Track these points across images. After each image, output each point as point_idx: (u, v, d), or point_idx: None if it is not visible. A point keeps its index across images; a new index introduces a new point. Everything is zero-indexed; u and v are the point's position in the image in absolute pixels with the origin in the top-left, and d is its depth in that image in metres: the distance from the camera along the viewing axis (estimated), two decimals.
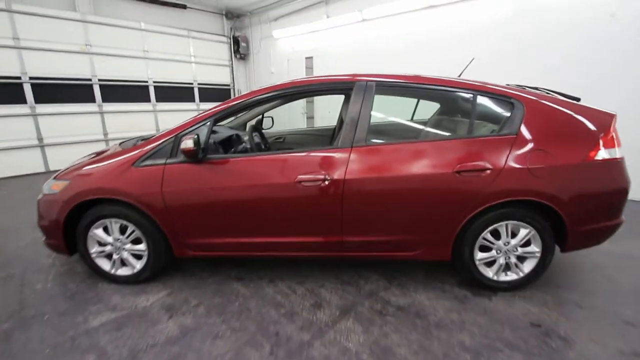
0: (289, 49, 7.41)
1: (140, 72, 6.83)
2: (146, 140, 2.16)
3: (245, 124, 3.54)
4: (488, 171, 1.87)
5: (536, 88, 2.21)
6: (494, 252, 2.07)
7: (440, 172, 1.89)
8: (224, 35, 8.15)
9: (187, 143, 1.81)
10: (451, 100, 2.46)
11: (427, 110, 2.97)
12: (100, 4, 6.35)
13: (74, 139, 6.13)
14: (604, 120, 1.96)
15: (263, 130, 3.58)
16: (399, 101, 2.51)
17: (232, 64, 8.32)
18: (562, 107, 1.98)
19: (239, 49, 8.07)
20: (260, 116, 3.49)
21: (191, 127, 2.02)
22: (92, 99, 6.30)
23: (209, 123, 2.02)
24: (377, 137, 2.10)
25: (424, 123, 2.79)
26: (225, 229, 2.07)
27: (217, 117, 2.05)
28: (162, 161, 2.01)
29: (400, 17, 5.41)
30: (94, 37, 6.16)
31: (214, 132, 2.51)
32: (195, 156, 1.88)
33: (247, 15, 7.91)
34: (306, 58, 7.16)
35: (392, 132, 2.63)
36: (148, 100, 7.03)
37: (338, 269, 2.41)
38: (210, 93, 7.97)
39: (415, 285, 2.21)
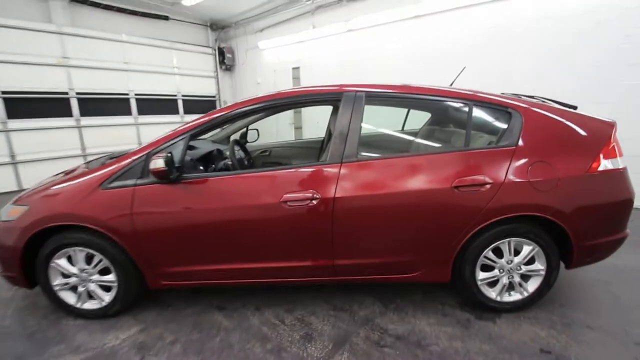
0: (276, 59, 7.32)
1: (121, 84, 6.60)
2: (115, 158, 1.96)
3: (229, 137, 3.37)
4: (488, 185, 1.74)
5: (532, 96, 2.12)
6: (496, 271, 1.92)
7: (438, 188, 1.75)
8: (209, 47, 8.01)
9: (157, 163, 1.62)
10: (445, 110, 2.35)
11: (415, 121, 2.87)
12: (78, 16, 6.14)
13: (49, 155, 5.82)
14: (604, 130, 1.87)
15: (249, 144, 3.41)
16: (385, 112, 2.39)
17: (217, 75, 8.16)
18: (561, 116, 1.88)
19: (224, 60, 7.93)
20: (245, 129, 3.33)
21: (164, 143, 1.84)
22: (69, 113, 6.03)
23: (184, 139, 1.84)
24: (368, 151, 1.95)
25: (415, 134, 2.67)
26: (203, 255, 1.88)
27: (195, 133, 1.87)
28: (132, 182, 1.81)
29: (387, 27, 5.37)
30: (71, 50, 5.93)
31: (192, 147, 2.33)
32: (166, 177, 1.69)
33: (232, 26, 7.81)
34: (293, 69, 7.06)
35: (383, 144, 2.49)
36: (129, 113, 6.78)
37: (329, 293, 2.22)
38: (195, 105, 7.78)
39: (413, 308, 2.04)
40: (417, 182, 1.77)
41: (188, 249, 1.86)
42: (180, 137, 1.84)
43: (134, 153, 1.87)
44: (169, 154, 1.70)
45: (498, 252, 1.90)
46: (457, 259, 1.87)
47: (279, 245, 1.85)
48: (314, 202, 1.75)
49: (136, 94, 6.81)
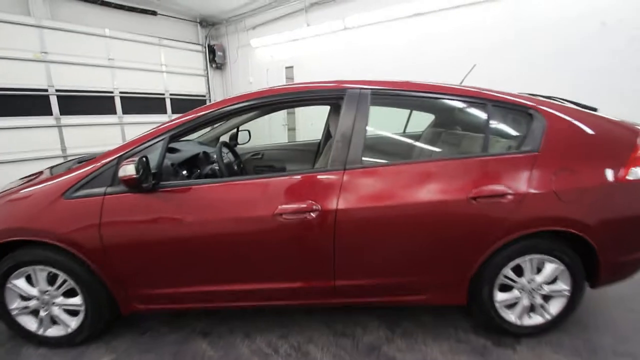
0: (268, 58, 7.07)
1: (104, 81, 6.25)
2: (84, 162, 1.70)
3: (218, 138, 3.12)
4: (509, 196, 1.54)
5: (550, 97, 1.93)
6: (516, 291, 1.72)
7: (453, 199, 1.54)
8: (199, 44, 7.70)
9: (127, 169, 1.37)
10: (459, 111, 2.13)
11: (414, 123, 2.66)
12: (58, 9, 5.79)
13: (26, 156, 5.45)
14: (631, 135, 1.69)
15: (239, 145, 3.17)
16: (383, 112, 2.17)
17: (207, 73, 7.86)
18: (585, 119, 1.69)
19: (214, 58, 7.64)
20: (236, 129, 3.09)
21: (139, 146, 1.59)
22: (48, 112, 5.66)
23: (163, 141, 1.59)
24: (372, 156, 1.73)
25: (418, 137, 2.47)
26: (184, 276, 1.63)
27: (175, 133, 1.62)
28: (101, 191, 1.55)
29: (386, 25, 5.18)
30: (50, 44, 5.57)
31: (174, 150, 2.07)
32: (137, 186, 1.44)
33: (223, 23, 7.53)
34: (286, 67, 6.82)
35: (387, 148, 2.26)
36: (114, 112, 6.43)
37: (328, 314, 1.99)
38: (184, 104, 7.45)
39: (423, 333, 1.82)
40: (430, 192, 1.55)
41: (166, 269, 1.62)
42: (158, 139, 1.59)
43: (104, 156, 1.61)
44: (144, 159, 1.45)
45: (518, 270, 1.70)
46: (474, 279, 1.67)
47: (272, 264, 1.62)
48: (313, 214, 1.52)
49: (121, 92, 6.47)
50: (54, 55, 5.63)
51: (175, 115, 7.39)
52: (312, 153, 3.10)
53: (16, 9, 5.35)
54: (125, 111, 6.57)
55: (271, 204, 1.53)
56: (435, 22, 4.73)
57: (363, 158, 1.58)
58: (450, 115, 2.27)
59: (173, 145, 2.05)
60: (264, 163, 3.08)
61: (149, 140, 1.58)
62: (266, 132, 6.83)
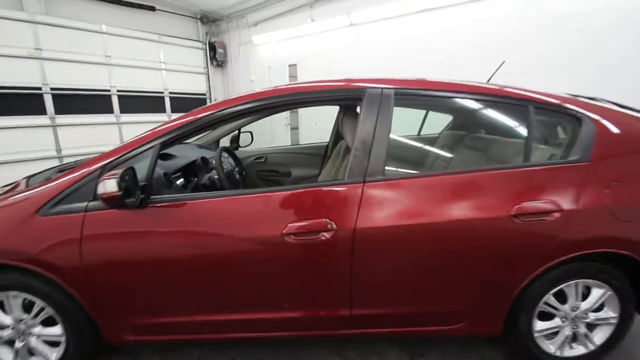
0: (271, 55, 6.84)
1: (101, 79, 6.04)
2: (64, 172, 1.48)
3: (219, 141, 2.91)
4: (556, 214, 1.32)
5: (592, 98, 1.71)
6: (557, 320, 1.51)
7: (492, 217, 1.32)
8: (199, 41, 7.48)
9: (107, 185, 1.16)
10: (494, 114, 1.88)
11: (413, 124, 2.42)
12: (53, 3, 5.57)
13: (19, 157, 5.25)
14: None
15: (241, 148, 2.96)
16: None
17: (208, 71, 7.63)
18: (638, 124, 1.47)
19: (215, 55, 7.41)
20: (237, 131, 2.87)
21: (125, 154, 1.37)
22: (42, 111, 5.45)
23: (154, 148, 1.37)
24: (396, 165, 1.52)
25: (434, 142, 2.25)
26: (178, 303, 1.42)
27: (168, 140, 1.40)
28: (82, 206, 1.34)
29: (394, 21, 4.94)
30: (45, 41, 5.36)
31: (167, 156, 1.86)
32: (120, 204, 1.23)
33: (225, 19, 7.30)
34: (289, 65, 6.60)
35: (412, 156, 2.04)
36: (111, 111, 6.22)
37: (341, 342, 1.78)
38: (183, 103, 7.23)
39: None
40: (465, 209, 1.33)
41: (158, 296, 1.41)
42: (148, 146, 1.37)
43: (85, 166, 1.40)
44: (129, 170, 1.24)
45: (560, 296, 1.48)
46: (512, 307, 1.45)
47: (280, 290, 1.41)
48: (328, 234, 1.31)
49: (118, 90, 6.26)
50: (49, 52, 5.41)
51: (174, 115, 7.20)
52: (319, 157, 2.89)
53: (9, 4, 5.13)
54: (123, 110, 6.36)
55: (279, 222, 1.32)
56: (446, 16, 4.50)
57: (386, 168, 1.36)
58: (479, 117, 2.03)
59: (167, 150, 1.84)
60: (267, 167, 2.86)
61: (136, 148, 1.37)
62: (268, 132, 6.61)
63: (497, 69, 2.01)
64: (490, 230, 1.33)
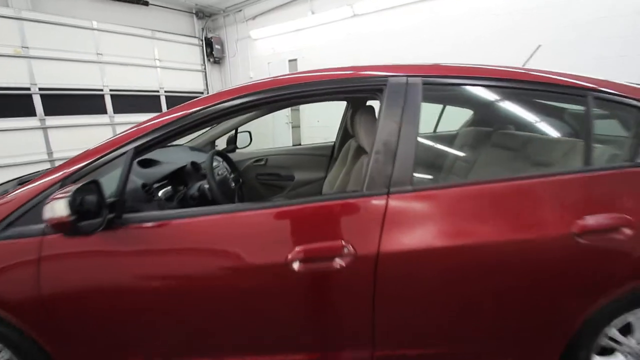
0: (270, 50, 6.56)
1: (93, 78, 5.77)
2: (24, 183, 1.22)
3: (214, 142, 2.65)
4: (627, 230, 1.06)
5: None
6: (620, 356, 1.25)
7: (551, 237, 1.05)
8: (195, 37, 7.20)
9: (55, 208, 0.88)
10: (539, 107, 1.59)
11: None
12: None
13: (7, 162, 5.00)
14: None
15: (239, 150, 2.69)
16: None
17: (205, 68, 7.36)
18: None
19: (212, 51, 7.14)
20: (234, 131, 2.61)
21: (90, 163, 1.11)
22: (31, 112, 5.20)
23: (126, 155, 1.11)
24: (427, 172, 1.25)
25: (455, 139, 1.97)
26: (159, 345, 1.16)
27: (144, 145, 1.14)
28: (39, 229, 1.08)
29: (399, 10, 4.66)
30: (32, 38, 5.09)
31: (150, 162, 1.60)
32: (73, 231, 0.96)
33: (221, 14, 7.01)
34: (289, 61, 6.32)
35: (443, 160, 1.74)
36: (104, 111, 5.96)
37: None
38: (180, 102, 6.75)
39: None
40: (517, 226, 1.07)
41: (134, 336, 1.15)
42: (118, 152, 1.11)
43: (45, 176, 1.14)
44: (92, 184, 0.97)
45: (624, 328, 1.22)
46: (569, 342, 1.19)
47: (285, 329, 1.15)
48: (344, 261, 1.05)
49: (111, 90, 5.99)
50: (36, 50, 5.15)
51: None
52: (324, 158, 2.62)
53: None
54: (117, 110, 6.10)
55: (283, 246, 1.06)
56: (453, 4, 4.22)
57: (414, 175, 1.10)
58: (525, 112, 1.70)
59: (151, 155, 1.58)
60: (268, 170, 2.60)
61: (104, 155, 1.10)
62: (268, 132, 6.35)
63: (533, 53, 1.74)
64: (549, 252, 1.06)
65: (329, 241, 1.06)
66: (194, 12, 7.06)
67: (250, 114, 2.31)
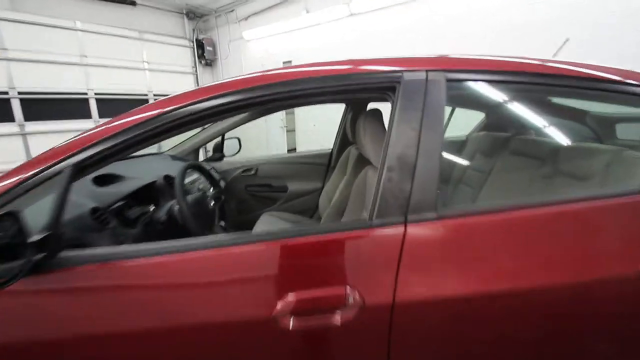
0: (263, 52, 6.32)
1: (77, 82, 5.49)
2: None
3: (197, 150, 2.38)
4: None
5: None
6: None
7: (614, 276, 0.81)
8: (186, 38, 6.94)
9: None
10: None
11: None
12: None
13: None
14: None
15: (226, 158, 2.43)
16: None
17: (196, 71, 7.10)
18: None
19: (204, 53, 6.89)
20: (220, 138, 2.35)
21: (12, 189, 0.84)
22: (10, 117, 4.90)
23: (61, 175, 0.84)
24: (455, 193, 0.99)
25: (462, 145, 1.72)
26: None
27: (87, 161, 0.87)
28: None
29: (398, 8, 4.44)
30: (10, 39, 4.81)
31: (111, 178, 1.32)
32: None
33: (212, 14, 6.77)
34: (284, 62, 6.07)
35: (469, 177, 1.41)
36: (89, 116, 5.68)
37: None
38: None
39: None
40: (574, 264, 0.81)
41: None
42: (50, 172, 0.84)
43: None
44: (9, 216, 0.71)
45: None
46: None
47: None
48: (349, 312, 0.79)
49: (97, 94, 5.71)
50: (15, 52, 4.87)
51: None
52: (320, 167, 2.37)
53: None
54: (103, 115, 5.81)
55: (270, 294, 0.80)
56: (456, 3, 4.01)
57: (439, 200, 0.84)
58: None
59: (111, 169, 1.31)
60: (258, 181, 2.34)
61: (32, 177, 0.84)
62: (262, 137, 6.09)
63: (561, 46, 1.50)
64: (611, 296, 0.81)
65: (328, 287, 0.80)
66: (184, 12, 6.81)
67: (237, 117, 2.06)
